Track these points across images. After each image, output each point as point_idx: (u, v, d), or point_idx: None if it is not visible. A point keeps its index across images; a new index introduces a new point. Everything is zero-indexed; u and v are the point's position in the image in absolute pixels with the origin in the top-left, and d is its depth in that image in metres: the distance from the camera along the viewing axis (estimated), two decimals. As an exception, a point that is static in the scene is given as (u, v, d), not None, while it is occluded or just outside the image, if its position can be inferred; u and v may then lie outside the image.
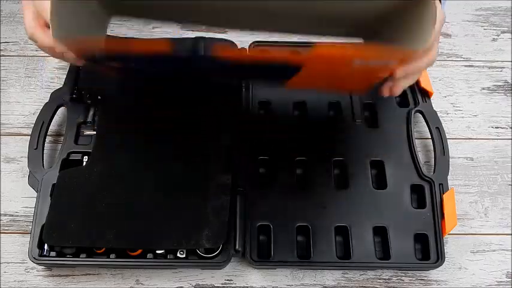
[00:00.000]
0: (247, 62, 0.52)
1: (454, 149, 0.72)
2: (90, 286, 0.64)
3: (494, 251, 0.67)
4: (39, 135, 0.68)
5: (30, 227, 0.63)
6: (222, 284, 0.64)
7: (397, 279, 0.65)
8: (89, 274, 0.64)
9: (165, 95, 0.69)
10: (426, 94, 0.73)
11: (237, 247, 0.63)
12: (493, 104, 0.77)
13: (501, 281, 0.65)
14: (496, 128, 0.75)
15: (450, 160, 0.69)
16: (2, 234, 0.66)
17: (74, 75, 0.72)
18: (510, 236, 0.68)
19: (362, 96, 0.73)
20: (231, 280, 0.64)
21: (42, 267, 0.64)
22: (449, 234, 0.66)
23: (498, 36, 0.83)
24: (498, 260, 0.66)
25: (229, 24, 0.53)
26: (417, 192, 0.68)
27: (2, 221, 0.67)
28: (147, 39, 0.73)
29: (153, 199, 0.62)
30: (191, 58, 0.56)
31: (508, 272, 0.66)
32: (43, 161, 0.67)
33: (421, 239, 0.65)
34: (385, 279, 0.65)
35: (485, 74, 0.80)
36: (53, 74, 0.78)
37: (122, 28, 0.80)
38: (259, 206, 0.65)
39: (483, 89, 0.79)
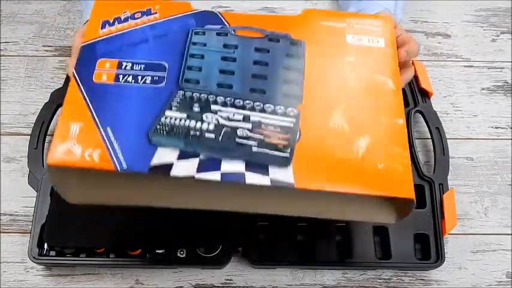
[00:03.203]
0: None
1: (454, 149, 0.72)
2: (90, 286, 0.63)
3: (494, 251, 0.67)
4: (39, 135, 0.68)
5: (30, 227, 0.63)
6: (222, 283, 0.64)
7: (397, 279, 0.65)
8: (89, 274, 0.64)
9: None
10: (426, 94, 0.73)
11: (237, 247, 0.63)
12: (493, 104, 0.77)
13: (501, 281, 0.65)
14: (496, 128, 0.75)
15: (450, 160, 0.69)
16: (1, 234, 0.66)
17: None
18: (510, 236, 0.68)
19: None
20: (231, 280, 0.64)
21: (42, 266, 0.64)
22: (449, 234, 0.66)
23: (498, 36, 0.83)
24: (498, 260, 0.66)
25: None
26: (417, 192, 0.67)
27: (1, 221, 0.67)
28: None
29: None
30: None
31: (508, 272, 0.66)
32: (43, 161, 0.67)
33: (421, 239, 0.65)
34: (385, 279, 0.65)
35: (485, 74, 0.80)
36: (53, 74, 0.78)
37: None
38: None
39: (483, 89, 0.79)
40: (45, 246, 0.62)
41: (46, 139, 0.69)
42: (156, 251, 0.62)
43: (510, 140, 0.74)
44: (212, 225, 0.61)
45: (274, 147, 0.48)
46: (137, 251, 0.62)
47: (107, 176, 0.48)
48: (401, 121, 0.51)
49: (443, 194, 0.66)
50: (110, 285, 0.64)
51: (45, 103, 0.70)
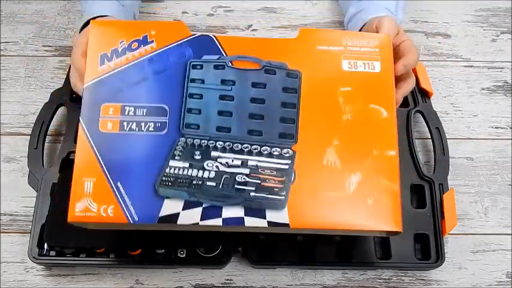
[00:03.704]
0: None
1: (454, 149, 0.72)
2: (90, 286, 0.63)
3: (494, 251, 0.67)
4: (39, 135, 0.68)
5: (30, 227, 0.63)
6: (222, 283, 0.64)
7: (397, 279, 0.65)
8: (89, 274, 0.64)
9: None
10: (426, 94, 0.73)
11: (237, 247, 0.63)
12: (493, 104, 0.77)
13: (501, 281, 0.65)
14: (496, 128, 0.75)
15: (450, 160, 0.69)
16: (2, 234, 0.66)
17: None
18: (510, 236, 0.68)
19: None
20: (231, 280, 0.64)
21: (42, 266, 0.64)
22: (449, 234, 0.66)
23: (498, 36, 0.83)
24: (498, 260, 0.66)
25: None
26: (417, 192, 0.68)
27: (2, 221, 0.67)
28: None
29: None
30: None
31: (508, 272, 0.66)
32: (43, 161, 0.67)
33: (421, 239, 0.65)
34: (385, 279, 0.65)
35: (485, 74, 0.80)
36: (53, 74, 0.78)
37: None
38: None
39: (483, 89, 0.79)
40: (45, 246, 0.62)
41: (46, 139, 0.69)
42: (156, 251, 0.62)
43: (510, 140, 0.74)
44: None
45: (271, 191, 0.51)
46: (137, 251, 0.62)
47: None
48: (393, 152, 0.54)
49: (443, 194, 0.66)
50: (110, 285, 0.64)
51: (45, 103, 0.70)
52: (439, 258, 0.63)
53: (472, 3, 0.86)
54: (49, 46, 0.80)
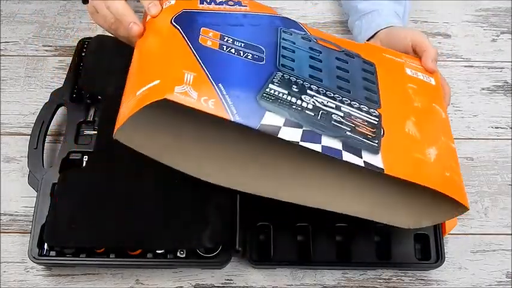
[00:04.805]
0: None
1: (454, 149, 0.72)
2: (90, 286, 0.63)
3: (494, 251, 0.67)
4: (39, 135, 0.68)
5: (30, 227, 0.62)
6: (222, 283, 0.64)
7: (397, 279, 0.65)
8: (89, 274, 0.64)
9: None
10: (426, 94, 0.73)
11: (237, 247, 0.63)
12: (493, 104, 0.77)
13: (501, 281, 0.65)
14: (496, 128, 0.75)
15: (450, 160, 0.69)
16: (2, 234, 0.66)
17: (74, 74, 0.72)
18: (510, 236, 0.68)
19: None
20: (231, 280, 0.64)
21: (42, 266, 0.64)
22: (449, 234, 0.66)
23: (498, 36, 0.83)
24: (498, 260, 0.66)
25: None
26: (417, 192, 0.68)
27: (2, 221, 0.67)
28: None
29: (154, 199, 0.62)
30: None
31: (508, 272, 0.66)
32: (43, 161, 0.67)
33: (421, 239, 0.65)
34: (385, 279, 0.65)
35: (485, 74, 0.80)
36: (53, 74, 0.78)
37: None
38: (259, 206, 0.65)
39: (483, 89, 0.79)
40: (45, 246, 0.62)
41: (46, 139, 0.69)
42: (156, 251, 0.62)
43: (510, 140, 0.74)
44: (212, 225, 0.61)
45: (365, 136, 0.53)
46: (137, 251, 0.62)
47: (180, 136, 0.56)
48: (454, 146, 0.57)
49: (444, 194, 0.66)
50: (110, 285, 0.64)
51: (45, 103, 0.70)
52: (439, 258, 0.63)
53: (472, 3, 0.86)
54: (49, 46, 0.80)
